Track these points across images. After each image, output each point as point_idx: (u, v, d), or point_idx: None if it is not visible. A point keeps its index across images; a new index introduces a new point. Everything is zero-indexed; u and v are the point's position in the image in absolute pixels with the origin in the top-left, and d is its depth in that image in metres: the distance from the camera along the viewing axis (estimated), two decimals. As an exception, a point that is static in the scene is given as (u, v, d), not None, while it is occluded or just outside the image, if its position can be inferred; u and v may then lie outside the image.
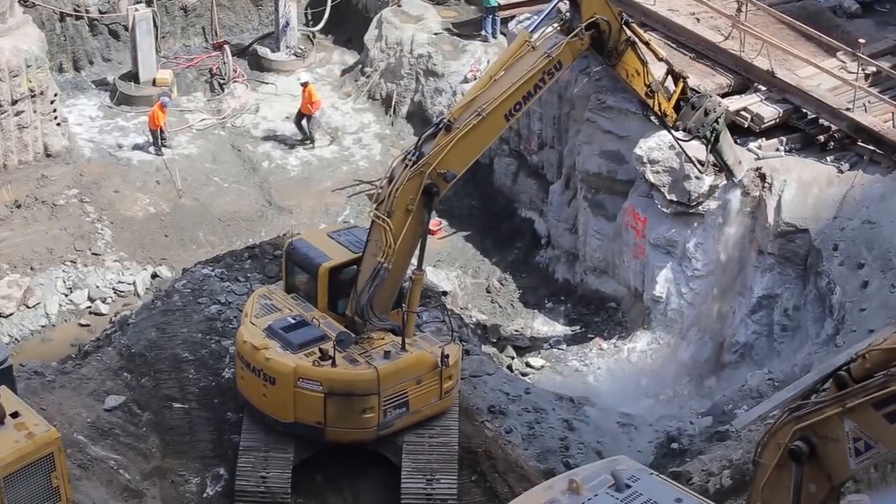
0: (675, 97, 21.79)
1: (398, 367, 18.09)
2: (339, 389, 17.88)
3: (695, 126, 21.90)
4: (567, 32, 19.38)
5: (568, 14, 19.69)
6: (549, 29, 19.60)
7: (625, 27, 20.08)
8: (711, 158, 23.01)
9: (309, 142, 32.60)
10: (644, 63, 20.64)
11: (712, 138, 22.25)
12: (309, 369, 17.85)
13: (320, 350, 18.05)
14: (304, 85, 32.37)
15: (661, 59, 21.52)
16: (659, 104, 21.42)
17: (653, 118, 22.20)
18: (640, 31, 21.22)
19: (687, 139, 22.34)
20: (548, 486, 12.38)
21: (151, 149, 31.55)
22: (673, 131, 22.22)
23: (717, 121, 22.03)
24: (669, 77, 21.95)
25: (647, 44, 20.83)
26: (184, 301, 21.99)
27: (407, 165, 17.79)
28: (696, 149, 22.85)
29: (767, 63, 24.84)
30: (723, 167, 23.51)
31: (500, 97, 18.31)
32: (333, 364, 17.86)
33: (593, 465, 12.93)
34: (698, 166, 23.24)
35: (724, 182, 24.11)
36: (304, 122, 32.58)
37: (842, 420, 10.03)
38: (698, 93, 22.38)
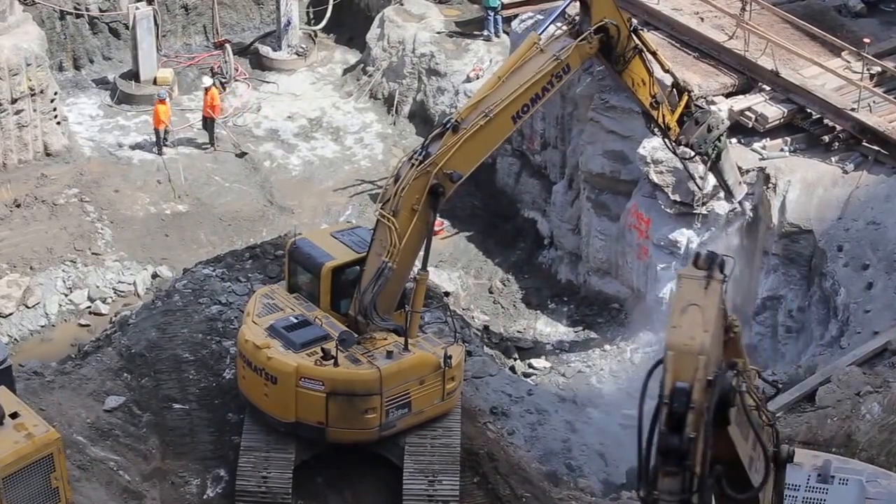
0: (679, 111, 21.56)
1: (401, 368, 17.99)
2: (341, 389, 17.77)
3: (697, 142, 21.64)
4: (575, 35, 19.26)
5: (577, 17, 19.59)
6: (558, 31, 19.51)
7: (633, 34, 19.94)
8: (711, 177, 22.84)
9: (209, 144, 31.87)
10: (650, 73, 20.45)
11: (714, 156, 22.06)
12: (311, 369, 17.75)
13: (322, 349, 17.95)
14: (207, 89, 31.70)
15: (667, 71, 21.33)
16: (663, 116, 21.24)
17: (655, 130, 21.95)
18: (649, 41, 21.05)
19: (689, 156, 22.14)
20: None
21: (155, 149, 31.43)
22: (675, 145, 21.98)
23: (719, 138, 21.81)
24: (674, 91, 21.76)
25: (654, 54, 20.65)
26: (184, 301, 21.88)
27: (413, 165, 17.69)
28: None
29: (772, 63, 24.73)
30: (723, 187, 23.29)
31: (507, 99, 18.20)
32: (336, 364, 17.77)
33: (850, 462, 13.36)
34: (698, 182, 23.11)
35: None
36: (209, 125, 31.78)
37: None
38: (702, 108, 22.18)
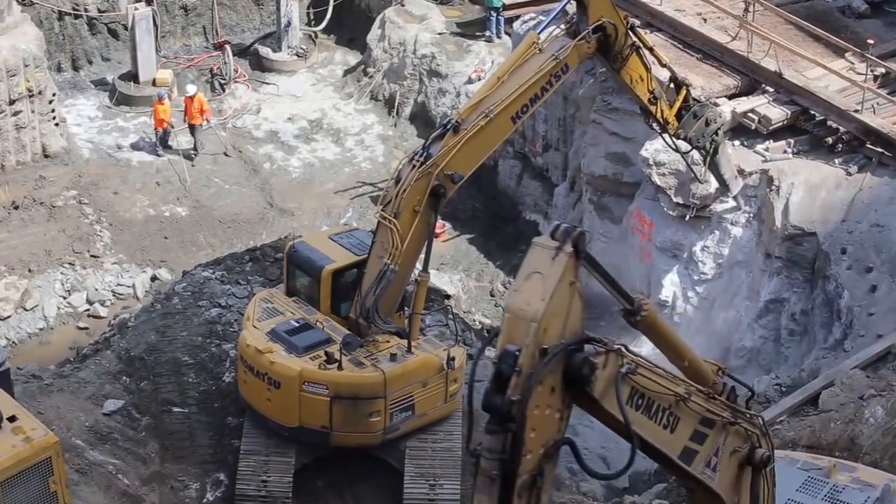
0: (678, 105, 21.62)
1: (405, 370, 17.92)
2: (345, 393, 17.67)
3: (695, 136, 21.77)
4: (574, 35, 19.24)
5: (574, 17, 19.57)
6: (556, 31, 19.48)
7: (630, 32, 19.96)
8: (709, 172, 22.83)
9: (194, 152, 31.56)
10: (648, 69, 20.54)
11: (711, 150, 22.04)
12: (315, 373, 17.65)
13: (326, 353, 17.83)
14: (191, 97, 31.25)
15: (664, 66, 21.41)
16: (661, 111, 21.27)
17: (654, 125, 22.02)
18: (645, 37, 21.08)
19: (687, 150, 22.15)
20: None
21: (156, 149, 31.28)
22: (674, 140, 21.98)
23: (716, 132, 21.85)
24: (672, 85, 21.76)
25: (651, 49, 20.71)
26: (184, 304, 21.77)
27: (414, 166, 17.62)
28: (697, 156, 22.67)
29: (775, 64, 24.60)
30: (719, 180, 23.25)
31: (507, 99, 18.15)
32: (339, 367, 17.65)
33: None
34: (698, 177, 23.07)
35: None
36: (195, 132, 31.42)
37: None
38: (700, 102, 22.20)
